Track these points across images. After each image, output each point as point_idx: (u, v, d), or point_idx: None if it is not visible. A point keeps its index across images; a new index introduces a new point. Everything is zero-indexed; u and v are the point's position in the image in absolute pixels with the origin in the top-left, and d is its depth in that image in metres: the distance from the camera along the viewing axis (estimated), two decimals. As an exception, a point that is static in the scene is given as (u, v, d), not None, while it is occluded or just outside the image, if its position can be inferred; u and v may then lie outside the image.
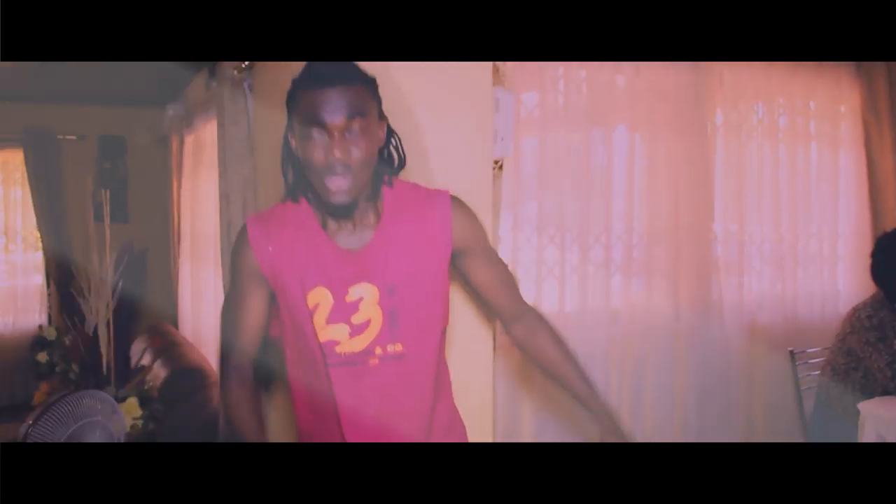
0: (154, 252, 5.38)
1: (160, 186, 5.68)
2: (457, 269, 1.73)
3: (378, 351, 1.59)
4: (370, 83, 1.54)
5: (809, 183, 3.99)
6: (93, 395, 2.76)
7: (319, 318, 1.56)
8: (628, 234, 3.41)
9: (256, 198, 3.51)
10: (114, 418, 2.78)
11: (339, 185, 1.48)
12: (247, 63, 3.46)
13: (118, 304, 3.38)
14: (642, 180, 3.47)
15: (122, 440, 2.83)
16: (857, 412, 2.75)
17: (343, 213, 1.57)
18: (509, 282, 1.81)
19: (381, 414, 1.63)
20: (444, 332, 1.72)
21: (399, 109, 1.79)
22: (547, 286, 3.25)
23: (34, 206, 5.69)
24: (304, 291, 1.56)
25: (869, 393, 2.98)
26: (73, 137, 5.84)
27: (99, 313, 3.28)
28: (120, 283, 3.41)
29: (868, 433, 2.67)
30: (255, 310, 1.65)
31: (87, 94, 5.57)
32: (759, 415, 3.73)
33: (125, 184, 6.03)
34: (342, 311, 1.57)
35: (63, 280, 4.57)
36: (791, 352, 3.34)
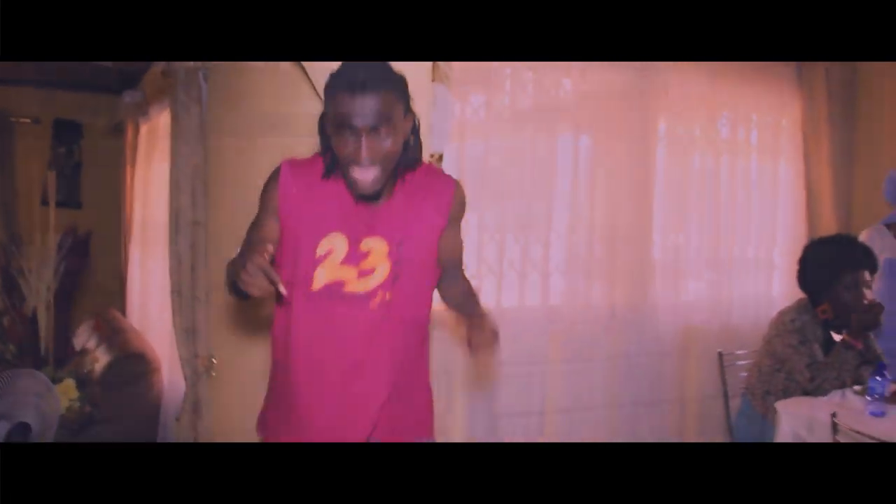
0: (104, 238, 5.35)
1: (114, 173, 5.65)
2: None
3: (379, 296, 1.77)
4: (399, 86, 1.69)
5: (749, 192, 4.12)
6: (28, 374, 2.77)
7: (333, 260, 1.75)
8: (569, 235, 3.49)
9: (206, 186, 3.53)
10: (48, 398, 2.80)
11: (364, 177, 1.66)
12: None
13: (60, 287, 3.38)
14: (585, 182, 3.56)
15: (57, 421, 2.85)
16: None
17: (368, 200, 1.75)
18: (459, 251, 2.01)
19: (356, 356, 1.79)
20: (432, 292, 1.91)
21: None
22: (486, 283, 3.32)
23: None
24: (320, 235, 1.75)
25: (791, 394, 3.09)
26: (28, 120, 5.77)
27: (39, 294, 3.28)
28: (62, 266, 3.41)
29: (784, 431, 2.78)
30: (267, 237, 1.80)
31: (43, 78, 5.52)
32: (690, 413, 3.84)
33: (79, 169, 5.98)
34: (354, 257, 1.76)
35: (6, 261, 4.54)
36: (720, 353, 3.45)
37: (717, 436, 3.61)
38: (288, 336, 1.83)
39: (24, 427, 2.61)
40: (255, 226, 1.84)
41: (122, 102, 5.27)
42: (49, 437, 2.75)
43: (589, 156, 3.59)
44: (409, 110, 1.73)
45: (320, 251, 1.75)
